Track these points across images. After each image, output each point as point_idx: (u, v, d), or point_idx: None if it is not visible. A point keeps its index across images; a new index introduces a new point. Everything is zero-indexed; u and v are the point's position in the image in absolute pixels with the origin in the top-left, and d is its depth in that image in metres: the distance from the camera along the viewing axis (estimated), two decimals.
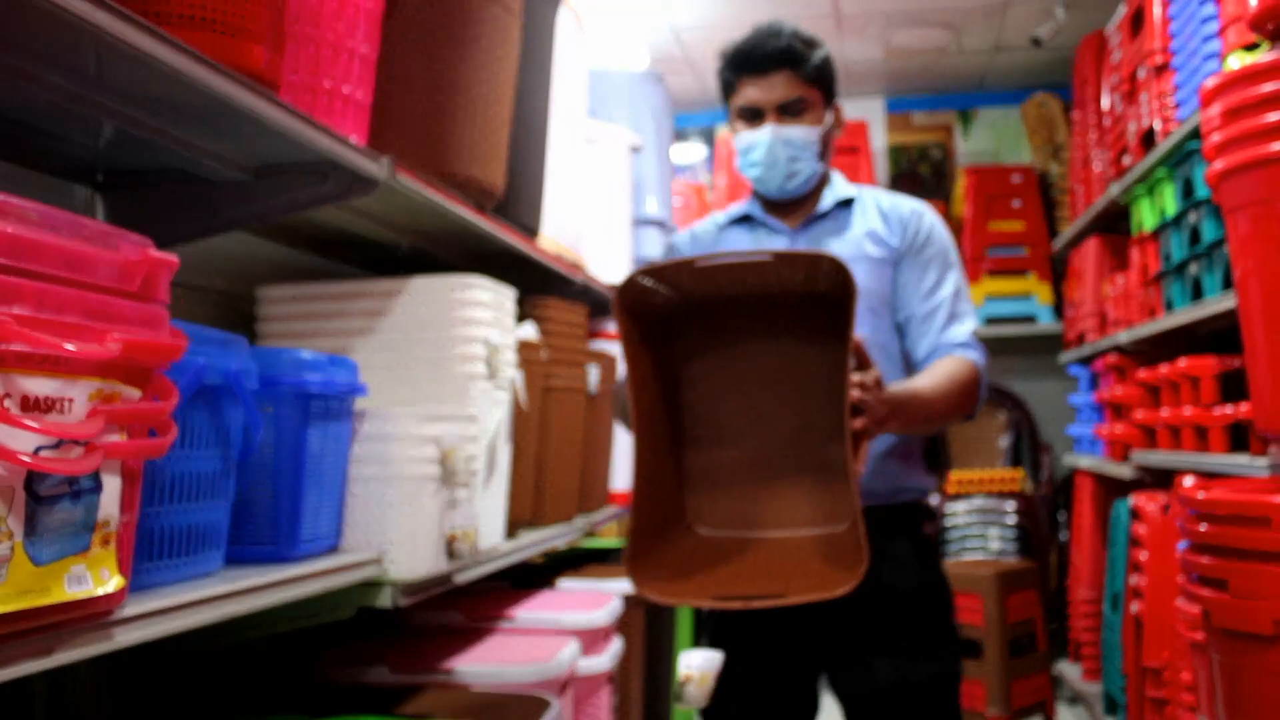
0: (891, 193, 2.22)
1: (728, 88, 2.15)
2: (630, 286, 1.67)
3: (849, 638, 2.05)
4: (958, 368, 1.99)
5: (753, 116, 2.11)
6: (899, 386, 1.86)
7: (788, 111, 2.09)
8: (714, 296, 1.82)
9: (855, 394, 1.68)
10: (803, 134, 2.10)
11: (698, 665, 1.77)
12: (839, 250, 2.09)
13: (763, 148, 2.10)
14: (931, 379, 1.95)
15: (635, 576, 1.63)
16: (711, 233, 2.26)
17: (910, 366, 2.10)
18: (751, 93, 2.10)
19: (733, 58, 2.12)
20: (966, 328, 2.08)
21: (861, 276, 2.00)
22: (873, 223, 2.15)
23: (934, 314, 2.08)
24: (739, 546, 1.80)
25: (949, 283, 2.10)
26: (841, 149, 5.15)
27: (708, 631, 2.18)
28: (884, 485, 2.06)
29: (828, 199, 2.17)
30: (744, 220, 2.23)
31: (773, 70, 2.08)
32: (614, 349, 3.12)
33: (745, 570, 1.73)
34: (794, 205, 2.20)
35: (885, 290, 2.11)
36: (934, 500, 1.88)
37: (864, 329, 2.02)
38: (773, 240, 2.18)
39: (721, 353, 1.88)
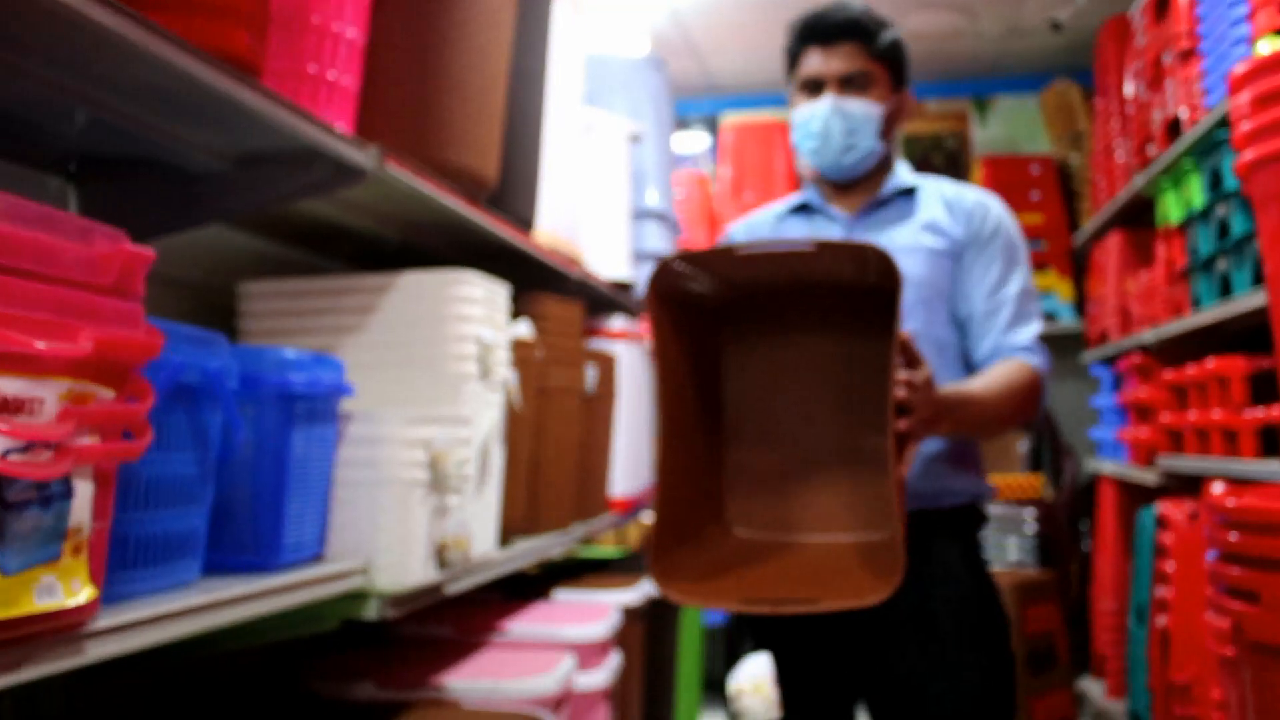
0: (959, 183, 2.21)
1: (792, 59, 2.16)
2: (664, 272, 1.65)
3: (889, 653, 2.02)
4: (1017, 373, 1.97)
5: (814, 88, 2.12)
6: (952, 387, 1.85)
7: (850, 85, 2.09)
8: (758, 287, 1.81)
9: (901, 393, 1.66)
10: (863, 108, 2.09)
11: (748, 676, 1.69)
12: (896, 240, 2.09)
13: (820, 119, 2.09)
14: (987, 382, 1.94)
15: (659, 575, 1.60)
16: (769, 223, 2.25)
17: (969, 365, 2.08)
18: (815, 62, 2.11)
19: (800, 27, 2.14)
20: (1031, 331, 2.05)
21: (916, 268, 2.05)
22: (934, 212, 2.13)
23: (996, 313, 2.06)
24: (774, 550, 1.77)
25: (1015, 281, 2.07)
26: None
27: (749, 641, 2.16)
28: (930, 487, 2.03)
29: (889, 186, 2.16)
30: (802, 209, 2.23)
31: (839, 40, 2.09)
32: (613, 348, 3.12)
33: (779, 574, 1.69)
34: (853, 192, 2.18)
35: (942, 283, 2.08)
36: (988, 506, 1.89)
37: (915, 322, 2.03)
38: (829, 229, 2.17)
39: (766, 345, 1.85)
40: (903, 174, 2.19)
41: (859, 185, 2.18)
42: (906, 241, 2.10)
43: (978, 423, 1.90)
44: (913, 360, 1.73)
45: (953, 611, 2.00)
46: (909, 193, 2.17)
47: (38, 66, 1.25)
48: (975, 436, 2.04)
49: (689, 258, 1.71)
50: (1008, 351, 2.03)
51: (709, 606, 1.73)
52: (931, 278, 2.07)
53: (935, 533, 2.02)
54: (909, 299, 2.03)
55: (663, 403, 1.69)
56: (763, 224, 2.27)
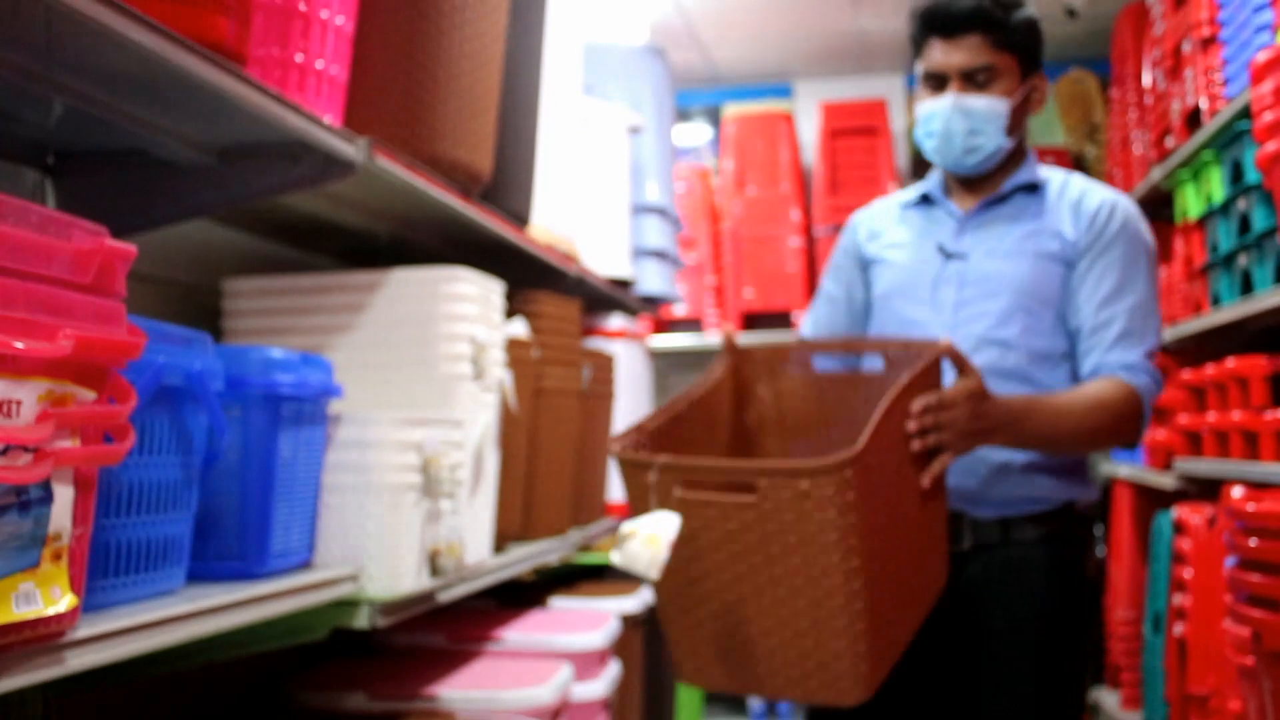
0: (1092, 181, 2.14)
1: (916, 47, 2.11)
2: (730, 344, 1.93)
3: (948, 667, 2.01)
4: (1110, 390, 1.93)
5: (937, 83, 2.07)
6: (1019, 398, 1.87)
7: (973, 80, 2.04)
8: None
9: (912, 425, 1.71)
10: (986, 105, 2.03)
11: (648, 524, 1.58)
12: (1004, 241, 2.07)
13: (940, 118, 2.05)
14: (1069, 396, 1.93)
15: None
16: (891, 214, 2.24)
17: (1078, 377, 2.03)
18: (937, 55, 2.05)
19: (923, 15, 2.07)
20: (1141, 349, 1.98)
21: (1018, 272, 2.03)
22: (1053, 213, 2.08)
23: (1105, 328, 1.99)
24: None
25: (1130, 293, 1.99)
26: (859, 130, 5.15)
27: None
28: (1006, 494, 2.01)
29: (1011, 182, 2.11)
30: (923, 201, 2.21)
31: (962, 32, 2.02)
32: (611, 347, 3.12)
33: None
34: (977, 186, 2.15)
35: (1048, 290, 2.03)
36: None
37: (1011, 330, 2.01)
38: (945, 225, 2.13)
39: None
40: (1028, 168, 2.13)
41: (984, 180, 2.14)
42: (1014, 243, 2.06)
43: (1048, 437, 1.90)
44: (964, 372, 1.78)
45: (1017, 627, 1.99)
46: (1032, 189, 2.11)
47: (12, 54, 1.25)
48: (1054, 451, 1.98)
49: (760, 349, 2.00)
50: (1109, 370, 1.97)
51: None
52: (1034, 284, 2.02)
53: (1017, 540, 2.00)
54: (1007, 305, 2.02)
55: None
56: (883, 216, 2.25)
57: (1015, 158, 2.13)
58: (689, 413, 1.86)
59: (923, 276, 2.11)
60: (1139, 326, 1.99)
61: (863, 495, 1.53)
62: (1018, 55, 2.04)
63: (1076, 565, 2.05)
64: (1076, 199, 2.08)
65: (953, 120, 2.05)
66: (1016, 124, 2.07)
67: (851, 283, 2.24)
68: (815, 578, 1.55)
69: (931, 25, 2.06)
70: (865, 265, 2.23)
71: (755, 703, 4.83)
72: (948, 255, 2.10)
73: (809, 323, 2.29)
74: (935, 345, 1.83)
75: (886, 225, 2.23)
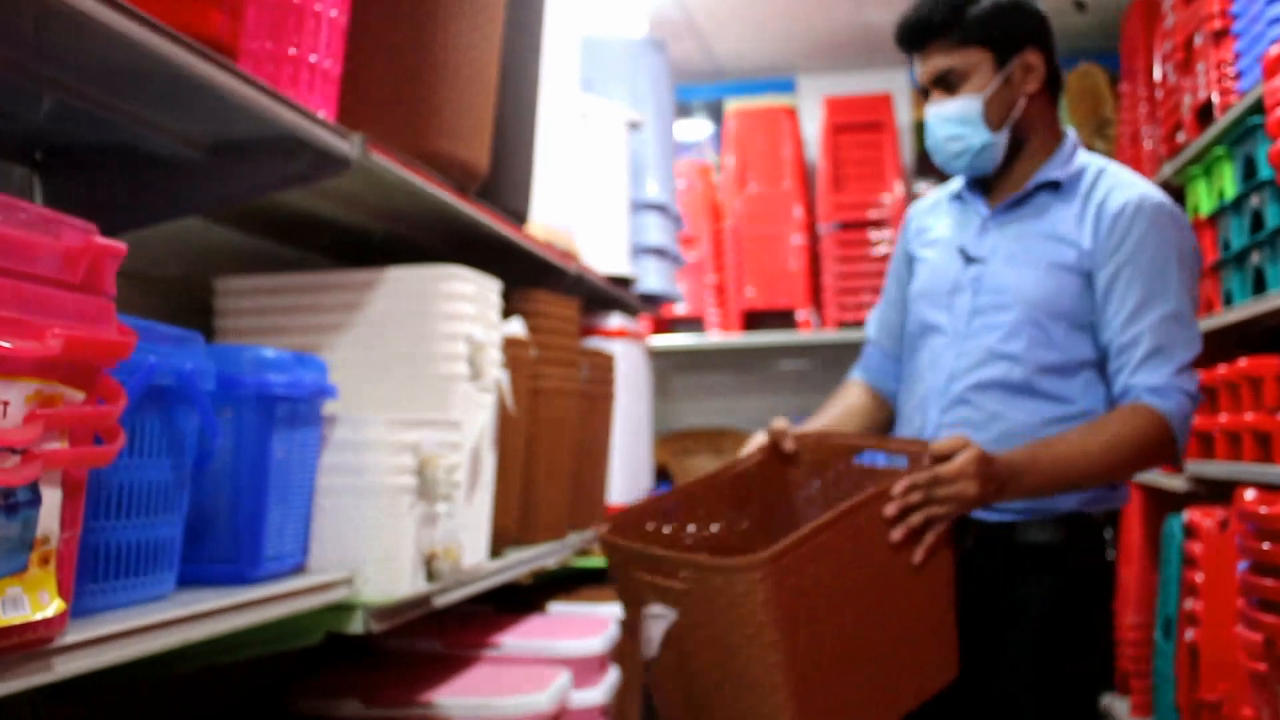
0: (1126, 173, 2.05)
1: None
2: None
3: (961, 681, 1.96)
4: (1132, 421, 1.89)
5: (925, 95, 2.10)
6: (1022, 451, 1.86)
7: (945, 85, 2.05)
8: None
9: (891, 509, 1.70)
10: (957, 107, 2.03)
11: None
12: (1017, 246, 2.04)
13: (928, 129, 2.10)
14: (1082, 437, 1.89)
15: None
16: (940, 207, 2.23)
17: (1111, 399, 1.98)
18: (917, 70, 2.10)
19: (896, 35, 2.11)
20: (1170, 366, 1.91)
21: (1027, 283, 2.00)
22: (1074, 217, 2.02)
23: (1132, 347, 1.93)
24: None
25: (1158, 306, 1.92)
26: (863, 125, 5.15)
27: None
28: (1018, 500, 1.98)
29: (1035, 179, 2.07)
30: (958, 196, 2.19)
31: (925, 44, 2.05)
32: (611, 346, 3.12)
33: None
34: (998, 183, 2.12)
35: (1063, 302, 1.98)
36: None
37: (1019, 343, 1.98)
38: (972, 222, 2.12)
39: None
40: (1060, 160, 2.07)
41: (1004, 176, 2.11)
42: (1030, 250, 2.03)
43: (1061, 483, 1.88)
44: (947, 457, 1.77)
45: (1019, 632, 1.98)
46: (1054, 186, 2.06)
47: (0, 48, 1.25)
48: (1076, 491, 1.95)
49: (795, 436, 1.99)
50: (1134, 394, 1.92)
51: None
52: (1045, 297, 1.99)
53: (1020, 544, 1.99)
54: (1016, 318, 1.99)
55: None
56: (934, 208, 2.24)
57: (1040, 148, 2.08)
58: (706, 491, 1.90)
59: (945, 279, 2.10)
60: (1168, 341, 1.92)
61: (793, 593, 1.58)
62: (987, 46, 2.02)
63: (1084, 572, 2.02)
64: (1101, 199, 2.00)
65: (934, 129, 2.07)
66: (1002, 114, 2.03)
67: (903, 281, 2.23)
68: (741, 669, 1.60)
69: (901, 43, 2.10)
70: (910, 262, 2.22)
71: None
72: (968, 259, 2.08)
73: (872, 322, 2.29)
74: (920, 450, 1.81)
75: (932, 220, 2.22)
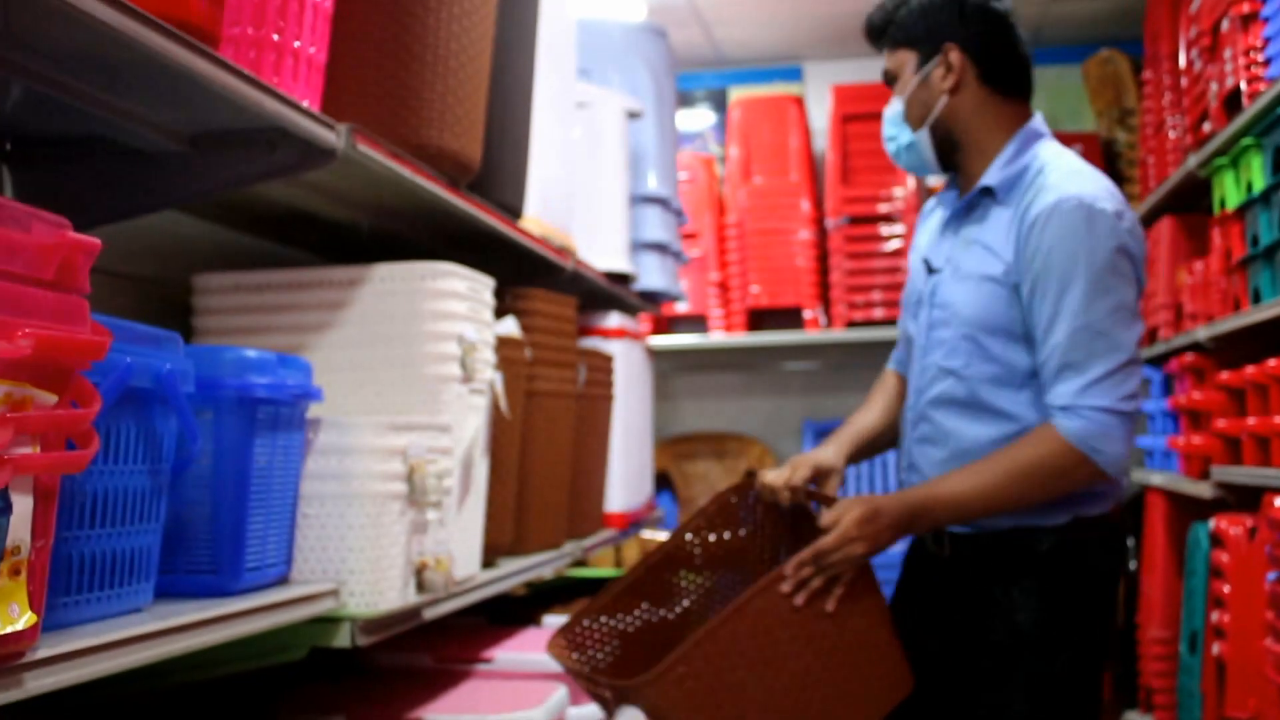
0: (1059, 174, 2.03)
1: None
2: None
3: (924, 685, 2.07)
4: (1033, 446, 1.95)
5: None
6: (917, 490, 2.01)
7: (890, 86, 2.19)
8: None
9: (787, 588, 1.89)
10: (891, 108, 2.19)
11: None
12: (959, 259, 2.10)
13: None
14: (977, 468, 2.00)
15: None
16: (933, 206, 2.31)
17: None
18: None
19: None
20: (1078, 382, 1.93)
21: (960, 298, 2.07)
22: (1004, 226, 2.05)
23: (1045, 365, 1.98)
24: None
25: (1065, 320, 1.94)
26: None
27: None
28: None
29: (978, 184, 2.10)
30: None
31: (876, 47, 2.19)
32: (609, 346, 3.12)
33: None
34: (955, 182, 2.22)
35: (994, 317, 2.02)
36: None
37: (959, 359, 2.06)
38: (937, 229, 2.21)
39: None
40: (1001, 164, 2.09)
41: (963, 177, 2.18)
42: (969, 262, 2.07)
43: (968, 516, 2.01)
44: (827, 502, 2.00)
45: (991, 644, 2.05)
46: (991, 193, 2.09)
47: None
48: (983, 519, 2.03)
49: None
50: (1049, 414, 1.97)
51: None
52: (979, 312, 2.03)
53: (974, 563, 2.08)
54: (955, 334, 2.06)
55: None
56: (930, 210, 2.31)
57: (989, 147, 2.11)
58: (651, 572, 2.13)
59: (914, 289, 2.23)
60: (1077, 356, 1.94)
61: (700, 690, 1.83)
62: (912, 46, 2.12)
63: (1057, 585, 2.05)
64: (1028, 204, 2.02)
65: (883, 130, 2.23)
66: (920, 112, 2.12)
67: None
68: None
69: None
70: None
71: None
72: (929, 269, 2.17)
73: (900, 315, 2.35)
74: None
75: (924, 222, 2.32)
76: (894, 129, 2.18)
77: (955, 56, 2.08)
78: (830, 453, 2.17)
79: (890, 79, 2.16)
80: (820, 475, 2.12)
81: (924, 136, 2.13)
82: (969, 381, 2.04)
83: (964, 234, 2.11)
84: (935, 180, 5.19)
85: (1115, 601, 2.17)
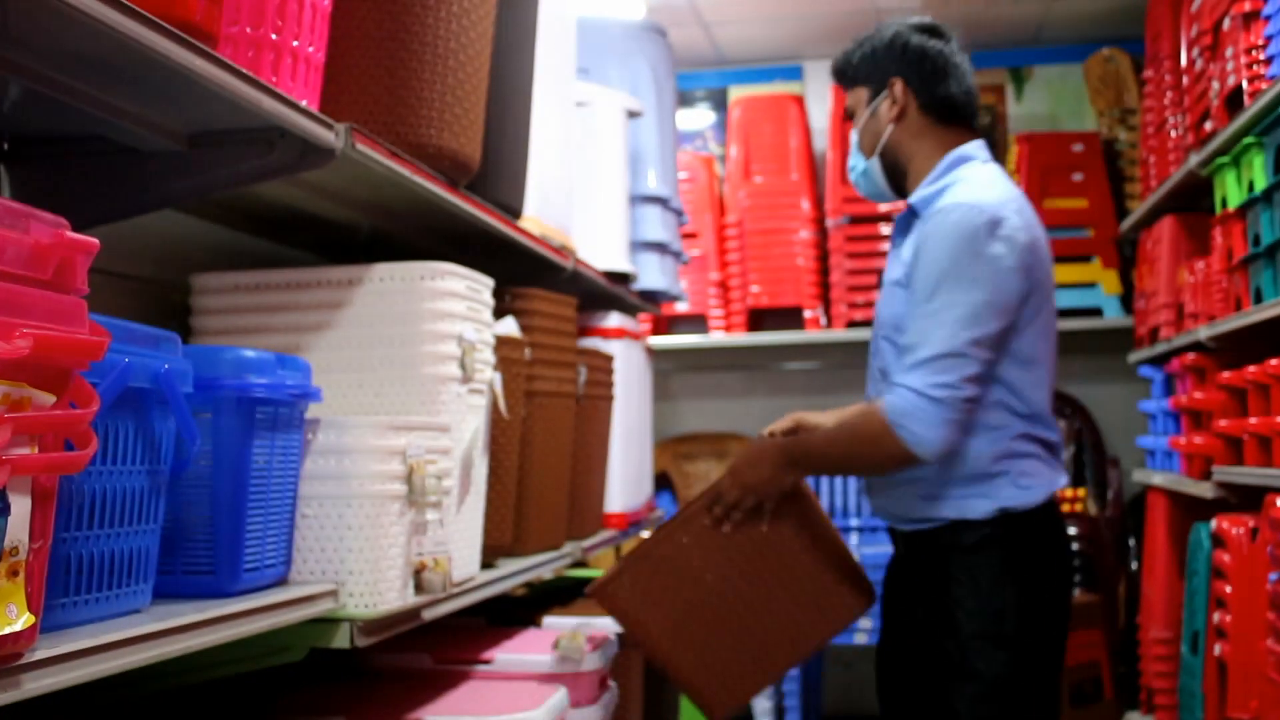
0: (959, 189, 2.21)
1: None
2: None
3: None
4: (861, 419, 2.20)
5: None
6: (798, 439, 2.31)
7: (851, 121, 2.44)
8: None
9: (708, 522, 2.24)
10: (851, 140, 2.44)
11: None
12: (890, 274, 2.33)
13: None
14: (832, 429, 2.32)
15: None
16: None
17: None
18: None
19: None
20: (907, 361, 2.13)
21: (883, 305, 2.32)
22: (913, 236, 2.26)
23: (901, 357, 2.19)
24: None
25: (919, 314, 2.14)
26: None
27: None
28: (900, 510, 2.29)
29: (908, 201, 2.33)
30: None
31: (845, 89, 2.45)
32: (609, 347, 3.12)
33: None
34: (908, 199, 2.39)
35: (896, 316, 2.24)
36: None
37: (882, 360, 2.29)
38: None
39: None
40: (924, 185, 2.29)
41: (907, 198, 2.37)
42: (887, 273, 2.35)
43: (827, 468, 2.39)
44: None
45: (923, 640, 2.25)
46: (915, 211, 2.29)
47: None
48: (844, 474, 2.40)
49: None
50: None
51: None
52: (888, 314, 2.27)
53: (921, 559, 2.28)
54: (880, 338, 2.31)
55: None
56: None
57: (924, 170, 2.31)
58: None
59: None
60: (915, 339, 2.13)
61: (643, 599, 2.27)
62: (865, 84, 2.38)
63: (989, 582, 2.17)
64: (927, 217, 2.22)
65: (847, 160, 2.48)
66: (871, 141, 2.37)
67: None
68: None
69: None
70: None
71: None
72: (879, 282, 2.40)
73: None
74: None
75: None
76: (854, 159, 2.42)
77: (899, 89, 2.31)
78: (820, 415, 2.46)
79: (850, 115, 2.42)
80: (801, 429, 2.39)
81: (875, 164, 2.37)
82: (890, 378, 2.20)
83: (894, 251, 2.34)
84: None
85: (1059, 599, 2.26)
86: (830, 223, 5.06)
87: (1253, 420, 2.99)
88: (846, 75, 2.41)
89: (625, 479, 3.30)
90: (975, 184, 2.21)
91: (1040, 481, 2.20)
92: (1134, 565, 4.99)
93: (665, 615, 2.26)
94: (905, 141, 2.32)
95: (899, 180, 2.37)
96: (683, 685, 2.36)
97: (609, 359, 3.03)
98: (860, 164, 2.40)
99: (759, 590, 2.27)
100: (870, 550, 4.45)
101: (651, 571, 2.26)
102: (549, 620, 2.71)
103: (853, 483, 4.82)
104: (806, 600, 2.28)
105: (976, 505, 2.18)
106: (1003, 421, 2.16)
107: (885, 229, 4.98)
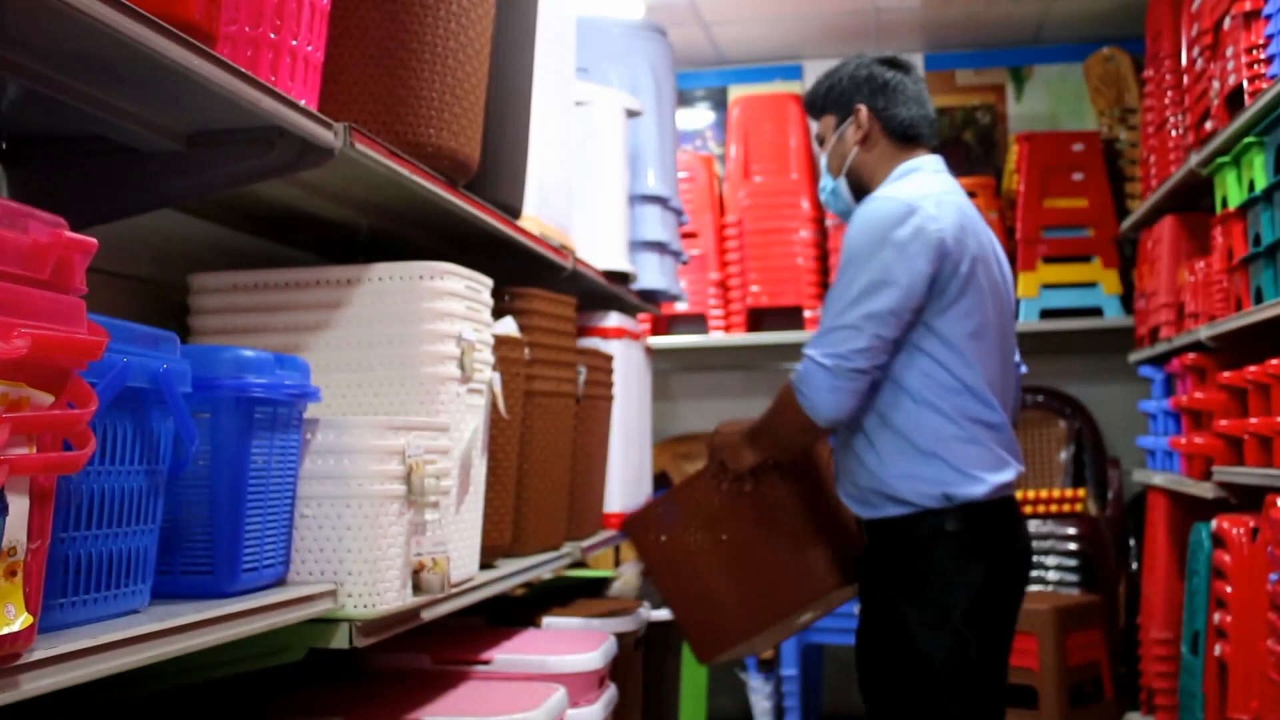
0: (882, 191, 2.46)
1: None
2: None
3: None
4: (781, 390, 2.43)
5: None
6: (752, 419, 2.53)
7: (822, 147, 2.64)
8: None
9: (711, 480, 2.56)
10: (822, 163, 2.64)
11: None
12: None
13: None
14: (767, 408, 2.51)
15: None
16: None
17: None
18: None
19: None
20: (814, 337, 2.36)
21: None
22: None
23: None
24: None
25: (830, 292, 2.38)
26: None
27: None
28: (856, 494, 2.45)
29: None
30: None
31: (815, 119, 2.65)
32: (609, 346, 3.12)
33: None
34: None
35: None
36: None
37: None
38: None
39: None
40: (864, 201, 2.48)
41: None
42: None
43: (769, 438, 2.48)
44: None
45: (878, 628, 2.45)
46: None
47: None
48: (793, 444, 2.51)
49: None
50: None
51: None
52: (826, 304, 2.45)
53: (876, 544, 2.46)
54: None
55: None
56: None
57: (866, 193, 2.52)
58: None
59: None
60: (824, 324, 2.36)
61: (658, 542, 2.58)
62: (833, 111, 2.59)
63: (930, 571, 2.33)
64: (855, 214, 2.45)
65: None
66: (838, 163, 2.58)
67: None
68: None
69: None
70: None
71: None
72: None
73: None
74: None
75: None
76: (824, 179, 2.63)
77: (864, 115, 2.53)
78: None
79: (820, 140, 2.63)
80: None
81: (842, 183, 2.58)
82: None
83: None
84: None
85: (1006, 594, 2.40)
86: (830, 222, 5.06)
87: (1253, 420, 2.99)
88: (816, 106, 2.63)
89: (625, 479, 3.30)
90: (905, 184, 2.43)
91: (983, 466, 2.34)
92: (1134, 565, 4.99)
93: (673, 557, 2.56)
94: (869, 163, 2.53)
95: (864, 197, 2.52)
96: (680, 623, 2.63)
97: (609, 359, 3.03)
98: (829, 184, 2.61)
99: (749, 550, 2.52)
100: None
101: (666, 515, 2.56)
102: (548, 621, 2.71)
103: None
104: (785, 566, 2.51)
105: (920, 488, 2.32)
106: (931, 396, 2.32)
107: None
